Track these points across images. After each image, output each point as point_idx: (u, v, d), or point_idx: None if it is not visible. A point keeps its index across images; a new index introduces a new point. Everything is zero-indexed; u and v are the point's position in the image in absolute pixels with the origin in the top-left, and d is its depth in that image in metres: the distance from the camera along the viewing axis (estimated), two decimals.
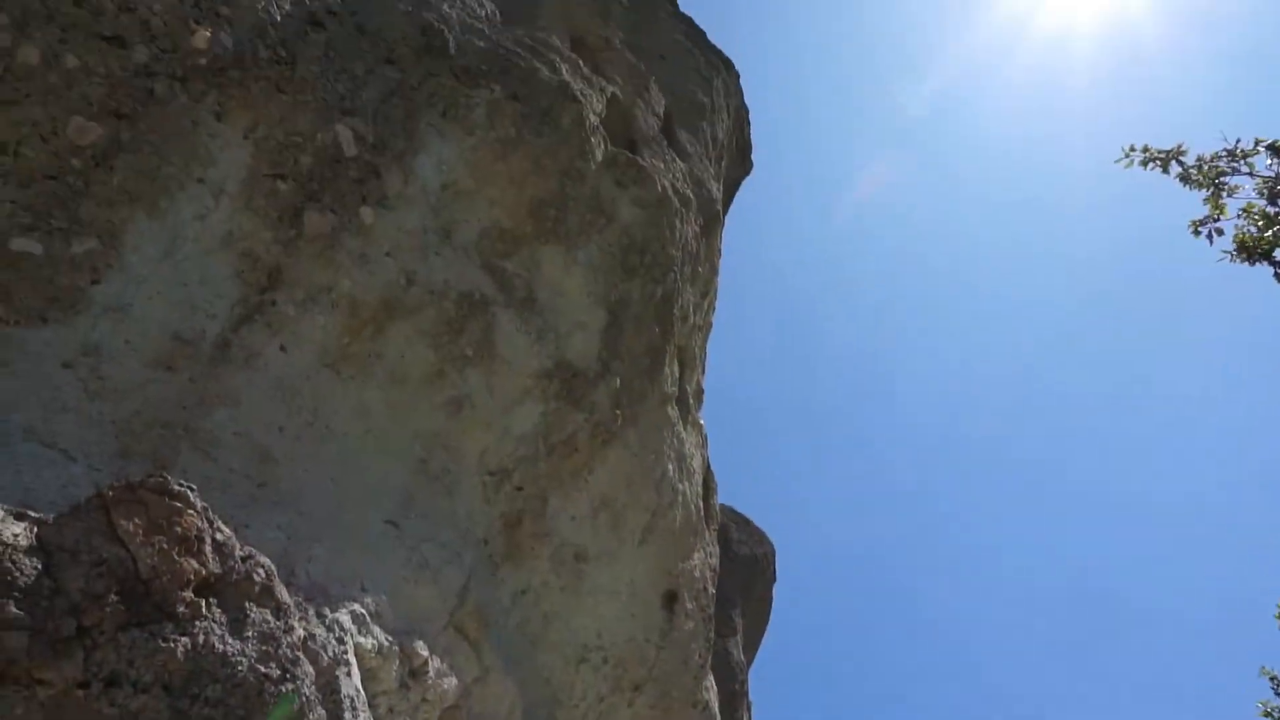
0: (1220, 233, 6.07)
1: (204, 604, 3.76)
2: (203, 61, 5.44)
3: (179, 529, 3.73)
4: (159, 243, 5.18)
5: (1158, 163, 5.85)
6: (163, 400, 4.88)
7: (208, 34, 5.48)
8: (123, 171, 5.09)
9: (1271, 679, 8.70)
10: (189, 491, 3.87)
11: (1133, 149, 5.95)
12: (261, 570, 4.10)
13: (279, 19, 6.02)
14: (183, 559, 3.72)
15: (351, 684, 4.52)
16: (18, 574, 3.26)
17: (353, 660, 4.71)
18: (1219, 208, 6.25)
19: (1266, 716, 8.64)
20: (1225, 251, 6.42)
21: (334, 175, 6.05)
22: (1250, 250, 6.53)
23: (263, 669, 3.84)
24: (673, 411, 8.83)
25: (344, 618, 4.86)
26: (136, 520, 3.65)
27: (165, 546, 3.67)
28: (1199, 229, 6.09)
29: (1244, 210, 6.26)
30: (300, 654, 4.09)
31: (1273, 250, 6.62)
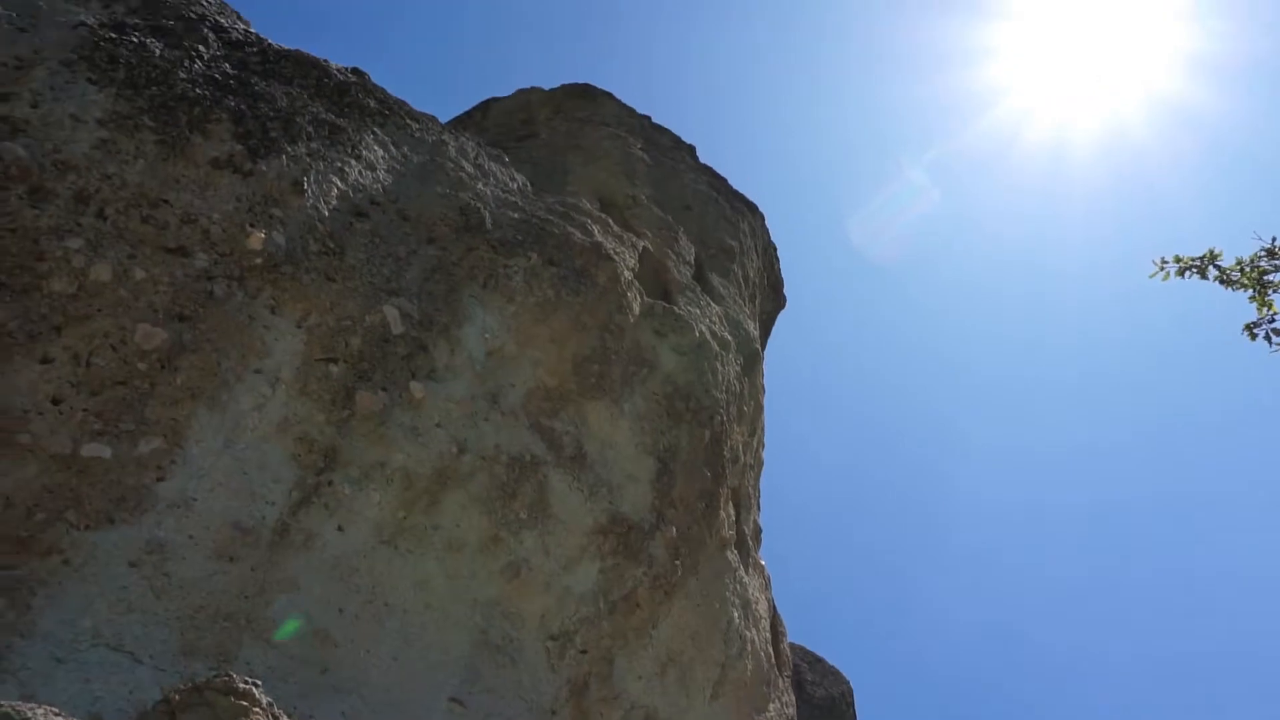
0: (1278, 333, 6.00)
1: None
2: (258, 261, 5.77)
3: None
4: (219, 434, 5.34)
5: (1194, 270, 5.86)
6: (224, 592, 4.92)
7: (262, 235, 5.83)
8: (185, 370, 5.32)
9: None
10: (254, 688, 3.84)
11: (1164, 261, 5.97)
12: None
13: (326, 214, 6.40)
14: None
15: None
16: None
17: None
18: (1268, 304, 6.21)
19: None
20: None
21: (383, 354, 6.27)
22: None
23: None
24: (732, 556, 8.66)
25: None
26: None
27: None
28: (1254, 331, 6.02)
29: None
30: None
31: None
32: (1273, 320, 5.95)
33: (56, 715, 3.47)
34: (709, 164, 13.27)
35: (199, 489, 5.13)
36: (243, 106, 6.33)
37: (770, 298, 15.34)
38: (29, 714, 3.42)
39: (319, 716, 4.71)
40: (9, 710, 3.42)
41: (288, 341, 5.90)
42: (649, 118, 12.84)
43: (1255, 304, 6.14)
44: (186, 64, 6.30)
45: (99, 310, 5.11)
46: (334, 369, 6.01)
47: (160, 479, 5.02)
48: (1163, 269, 5.88)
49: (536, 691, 6.30)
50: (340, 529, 5.62)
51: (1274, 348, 6.46)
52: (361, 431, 5.95)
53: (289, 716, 4.05)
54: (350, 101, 7.40)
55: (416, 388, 6.30)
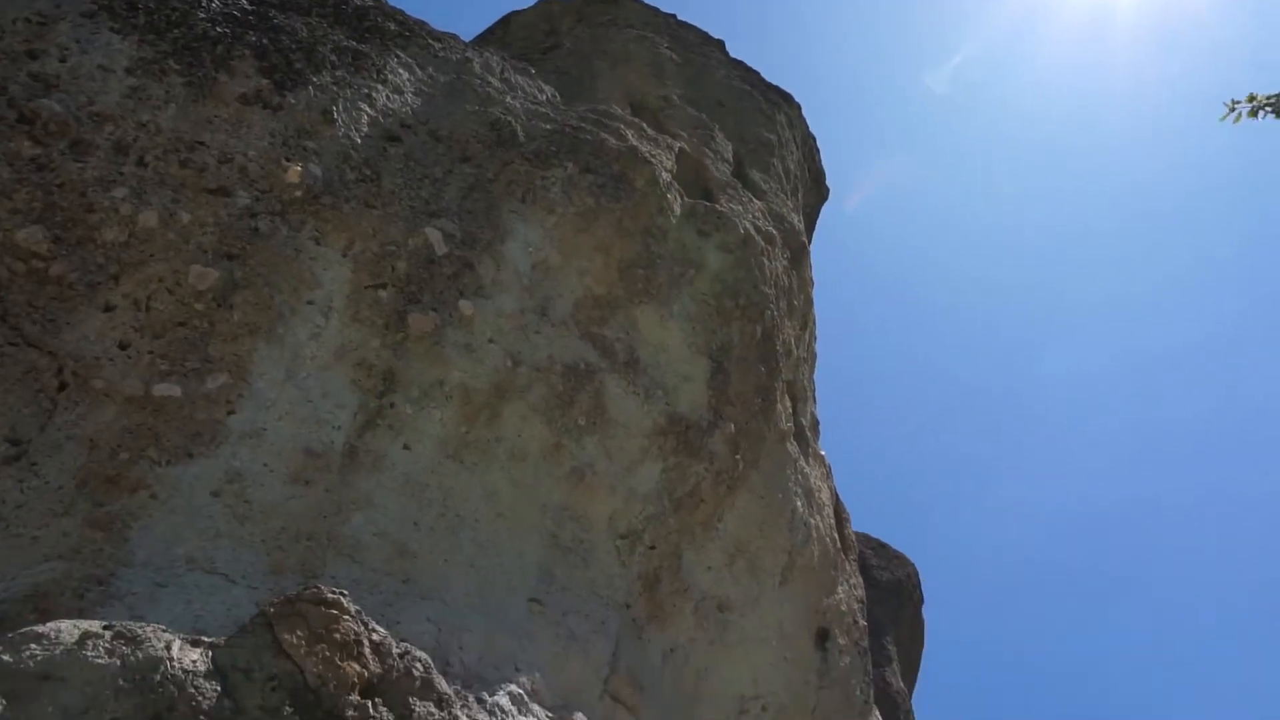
0: None
1: (370, 705, 3.85)
2: (298, 194, 5.78)
3: (338, 635, 3.84)
4: (281, 366, 5.46)
5: (1268, 109, 5.51)
6: (303, 513, 5.09)
7: (299, 169, 5.82)
8: (240, 307, 5.41)
9: None
10: (342, 598, 4.00)
11: (1236, 102, 5.63)
12: (419, 665, 4.18)
13: (359, 141, 6.35)
14: (345, 664, 3.82)
15: None
16: (201, 698, 3.41)
17: None
18: None
19: None
20: None
21: (430, 275, 6.28)
22: None
23: None
24: (792, 447, 8.67)
25: (503, 700, 4.89)
26: (299, 633, 3.78)
27: (328, 654, 3.78)
28: None
29: None
30: None
31: None
32: None
33: (165, 631, 3.66)
34: (738, 58, 12.82)
35: (268, 419, 5.28)
36: (264, 40, 6.26)
37: (813, 190, 14.96)
38: (140, 632, 3.62)
39: (405, 622, 4.90)
40: (122, 629, 3.62)
41: (335, 271, 5.95)
42: (674, 16, 12.40)
43: None
44: (204, 3, 6.22)
45: (151, 256, 5.20)
46: (383, 294, 6.05)
47: (231, 412, 5.17)
48: (1233, 110, 5.55)
49: (610, 588, 6.48)
50: (406, 447, 5.75)
51: None
52: (417, 352, 6.02)
53: (377, 623, 4.22)
54: (370, 26, 7.26)
55: (466, 305, 6.32)
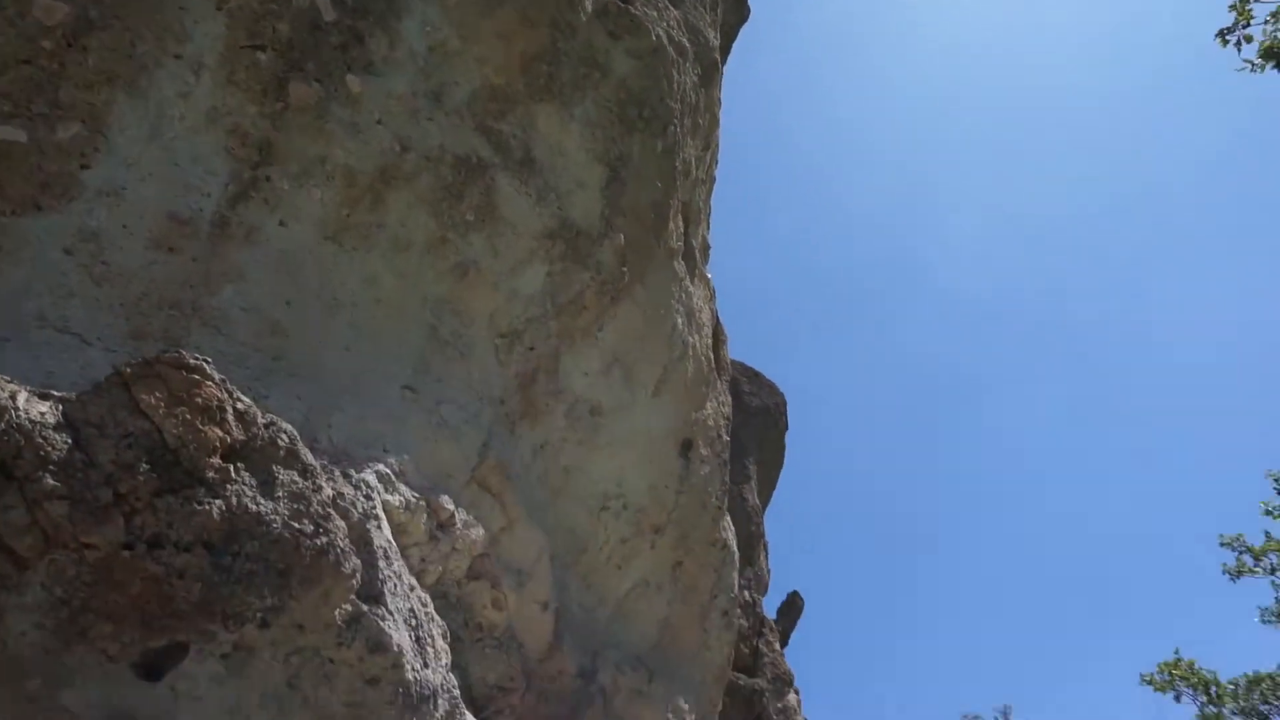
0: (1249, 39, 5.80)
1: (232, 469, 3.88)
2: None
3: (199, 400, 3.79)
4: (144, 123, 5.04)
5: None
6: (168, 281, 4.88)
7: None
8: (96, 51, 4.90)
9: (1275, 479, 9.11)
10: (205, 364, 3.92)
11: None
12: (285, 436, 4.20)
13: None
14: (207, 428, 3.80)
15: (383, 536, 4.70)
16: (50, 449, 3.35)
17: (382, 515, 4.88)
18: (1246, 14, 5.97)
19: (1268, 514, 9.08)
20: (1247, 61, 6.26)
21: (315, 43, 5.81)
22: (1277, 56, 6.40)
23: (296, 525, 3.99)
24: (680, 266, 8.77)
25: (370, 477, 5.01)
26: (157, 394, 3.71)
27: (188, 417, 3.74)
28: (1226, 38, 5.83)
29: (1273, 15, 6.01)
30: (331, 510, 4.23)
31: None
32: (1246, 26, 5.74)
33: (9, 382, 3.53)
34: None
35: (128, 179, 4.92)
36: None
37: (734, 8, 14.36)
38: None
39: (274, 397, 4.88)
40: None
41: (208, 25, 5.41)
42: None
43: (1235, 12, 5.90)
44: None
45: None
46: (262, 57, 5.58)
47: (85, 166, 4.79)
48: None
49: (486, 384, 6.59)
50: (283, 224, 5.51)
51: (1243, 65, 6.32)
52: (298, 125, 5.66)
53: (243, 394, 4.18)
54: None
55: (353, 81, 5.91)
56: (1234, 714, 18.81)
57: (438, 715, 4.92)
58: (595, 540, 8.02)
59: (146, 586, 3.52)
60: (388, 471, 5.24)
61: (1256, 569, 19.48)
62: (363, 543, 4.49)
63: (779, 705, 17.62)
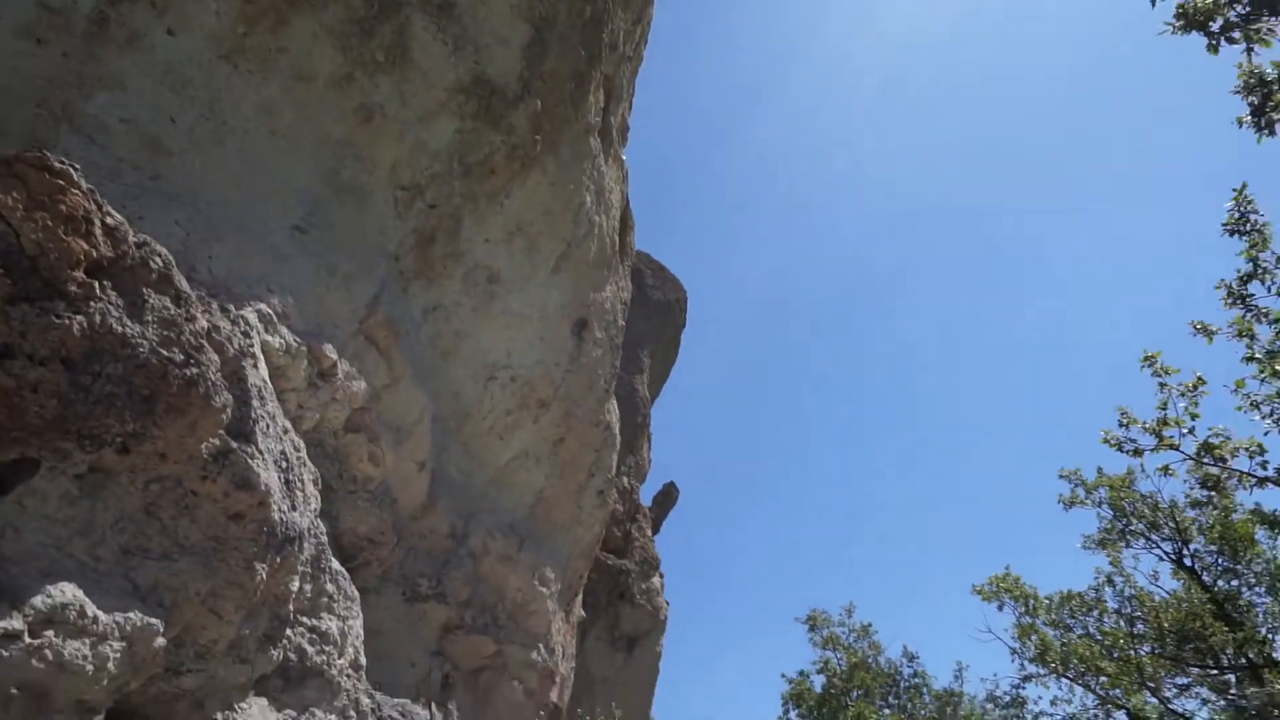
0: None
1: (97, 286, 3.65)
2: None
3: (63, 207, 3.52)
4: None
5: None
6: (34, 76, 4.44)
7: None
8: None
9: (1122, 413, 9.88)
10: (72, 170, 3.63)
11: None
12: (158, 259, 3.97)
13: None
14: (70, 239, 3.55)
15: (259, 375, 4.57)
16: None
17: (259, 355, 4.73)
18: None
19: (1105, 443, 9.89)
20: (1167, 23, 6.48)
21: None
22: (1189, 19, 6.63)
23: (165, 353, 3.83)
24: (595, 142, 8.56)
25: (249, 315, 4.82)
26: (15, 195, 3.42)
27: (50, 224, 3.48)
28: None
29: None
30: (204, 343, 4.07)
31: (1209, 20, 6.67)
32: None
33: None
34: None
35: None
36: None
37: None
38: None
39: (150, 219, 4.58)
40: None
41: None
42: None
43: None
44: None
45: None
46: None
47: None
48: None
49: (382, 235, 6.36)
50: (171, 33, 5.05)
51: (1164, 28, 6.54)
52: None
53: (115, 210, 3.90)
54: None
55: None
56: (1044, 624, 20.96)
57: (302, 557, 4.93)
58: (480, 408, 8.02)
59: None
60: (269, 312, 5.04)
61: (1086, 501, 21.36)
62: (236, 379, 4.35)
63: (643, 586, 18.49)
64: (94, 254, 3.67)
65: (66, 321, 3.49)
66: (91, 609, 3.55)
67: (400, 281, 6.70)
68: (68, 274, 3.53)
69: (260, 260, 5.18)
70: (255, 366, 4.56)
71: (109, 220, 3.80)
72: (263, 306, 4.99)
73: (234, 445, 4.20)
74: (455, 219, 7.02)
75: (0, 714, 3.24)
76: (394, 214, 6.45)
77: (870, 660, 28.29)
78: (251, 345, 4.61)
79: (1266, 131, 9.00)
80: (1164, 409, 9.64)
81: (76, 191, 3.61)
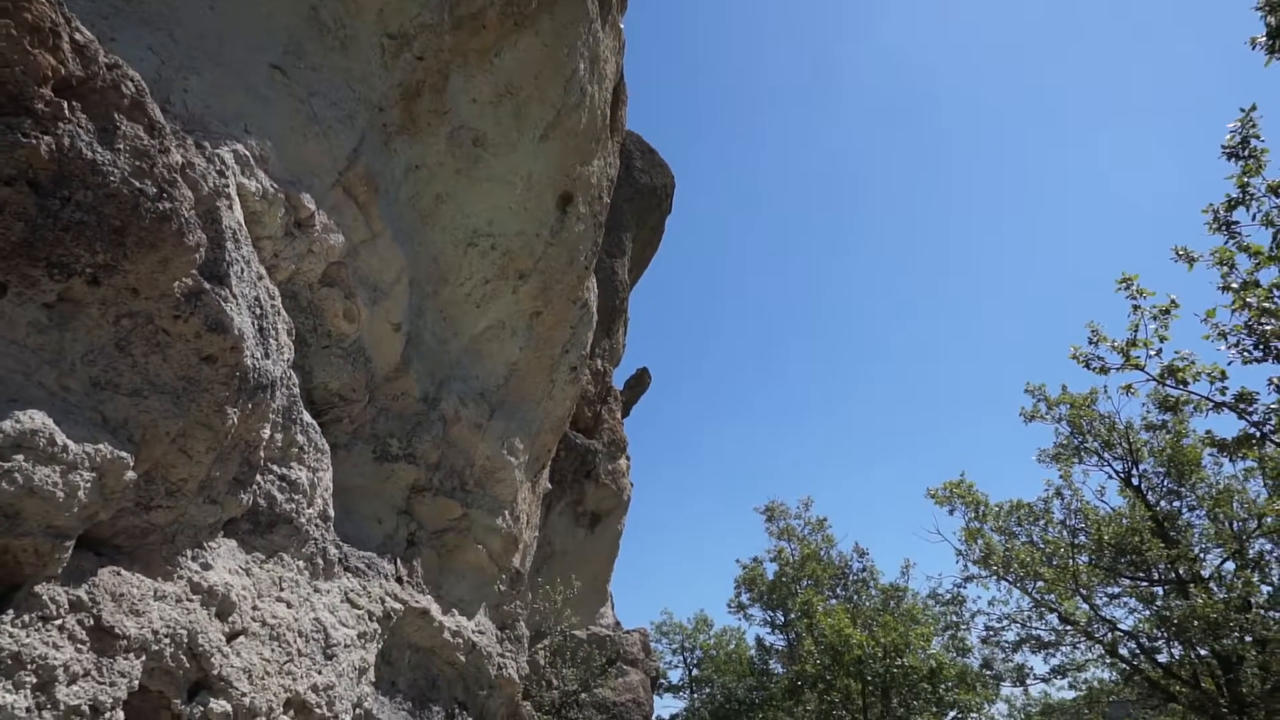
0: None
1: (66, 106, 3.50)
2: None
3: (28, 15, 3.33)
4: None
5: None
6: None
7: None
8: None
9: (1092, 330, 10.00)
10: None
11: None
12: (131, 84, 3.79)
13: None
14: (36, 51, 3.37)
15: (234, 217, 4.46)
16: None
17: (235, 197, 4.60)
18: None
19: (1073, 359, 10.06)
20: None
21: None
22: None
23: (137, 184, 3.71)
24: (592, 6, 8.20)
25: (226, 154, 4.67)
26: None
27: (14, 33, 3.29)
28: None
29: None
30: (179, 178, 3.94)
31: None
32: None
33: None
34: None
35: None
36: None
37: None
38: None
39: (122, 43, 4.35)
40: None
41: None
42: None
43: None
44: None
45: None
46: None
47: None
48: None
49: (366, 85, 6.11)
50: None
51: None
52: None
53: (86, 29, 3.69)
54: None
55: None
56: (991, 530, 21.80)
57: (274, 405, 4.94)
58: (458, 275, 7.94)
59: None
60: (246, 154, 4.88)
61: (1046, 416, 21.91)
62: (210, 219, 4.24)
63: (610, 467, 18.89)
64: (62, 71, 3.50)
65: (34, 141, 3.35)
66: (61, 438, 3.56)
67: (382, 135, 6.49)
68: (35, 90, 3.37)
69: (237, 99, 4.97)
70: (231, 208, 4.44)
71: (78, 36, 3.60)
72: (239, 147, 4.83)
73: (207, 286, 4.13)
74: (443, 74, 6.76)
75: None
76: (379, 63, 6.19)
77: (822, 552, 29.49)
78: (227, 186, 4.48)
79: (1277, 55, 8.79)
80: (1135, 331, 9.78)
81: (43, 0, 3.41)
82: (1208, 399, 10.00)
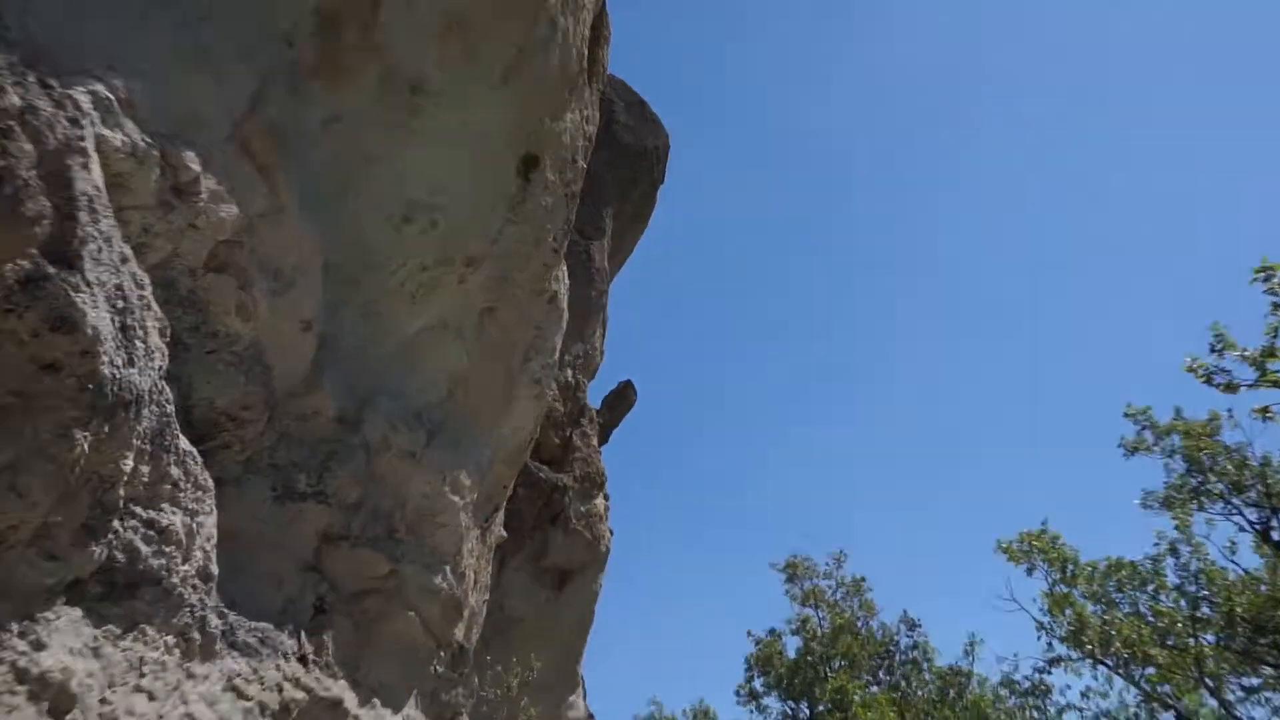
0: None
1: None
2: None
3: None
4: None
5: None
6: None
7: None
8: None
9: (1215, 334, 9.95)
10: None
11: None
12: None
13: None
14: None
15: (91, 181, 4.39)
16: None
17: (93, 154, 4.53)
18: None
19: (1189, 371, 10.00)
20: None
21: None
22: None
23: None
24: None
25: (81, 97, 4.59)
26: None
27: None
28: None
29: None
30: (14, 125, 3.88)
31: None
32: None
33: None
34: None
35: None
36: None
37: None
38: None
39: None
40: None
41: None
42: None
43: None
44: None
45: None
46: None
47: None
48: None
49: (272, 11, 6.04)
50: None
51: None
52: None
53: None
54: None
55: None
56: (1082, 596, 21.64)
57: (140, 428, 4.86)
58: (389, 259, 7.90)
59: None
60: (109, 97, 4.80)
61: (1154, 448, 21.74)
62: (59, 183, 4.17)
63: (582, 508, 18.80)
64: None
65: None
66: None
67: (291, 77, 6.43)
68: None
69: (101, 26, 4.90)
70: (87, 169, 4.37)
71: None
72: (100, 88, 4.75)
73: (51, 271, 4.06)
74: (373, 0, 6.72)
75: None
76: None
77: (860, 623, 29.49)
78: (83, 139, 4.41)
79: None
80: (1274, 335, 9.62)
81: None
82: None
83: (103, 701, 4.76)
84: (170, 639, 5.50)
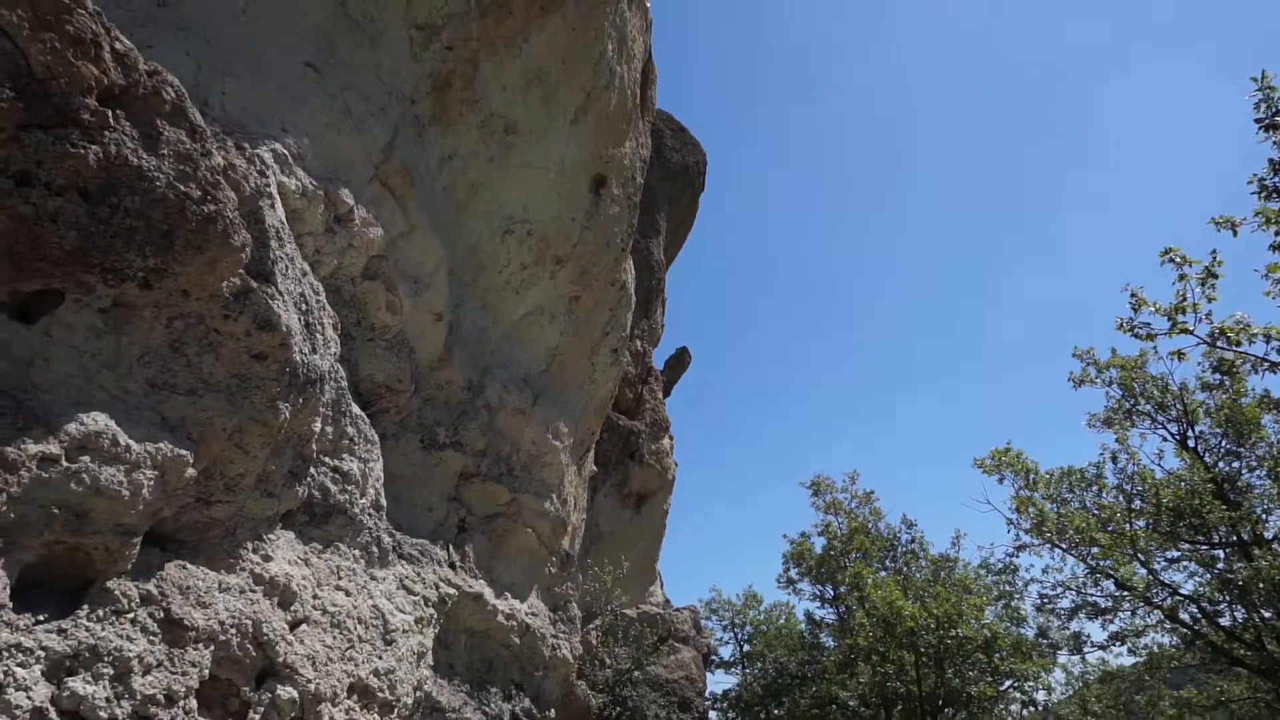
0: None
1: (110, 115, 3.58)
2: None
3: (70, 28, 3.41)
4: None
5: None
6: None
7: None
8: None
9: (1132, 294, 9.74)
10: None
11: None
12: (171, 90, 3.87)
13: None
14: (80, 63, 3.45)
15: (276, 216, 4.54)
16: None
17: (276, 195, 4.67)
18: None
19: (1119, 329, 9.81)
20: None
21: None
22: None
23: (182, 188, 3.79)
24: None
25: (265, 154, 4.74)
26: (20, 12, 3.30)
27: (58, 46, 3.37)
28: None
29: None
30: (221, 179, 4.02)
31: None
32: None
33: None
34: None
35: None
36: None
37: None
38: None
39: (159, 49, 4.43)
40: None
41: None
42: None
43: None
44: None
45: None
46: None
47: None
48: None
49: (397, 76, 6.16)
50: None
51: None
52: None
53: (125, 37, 3.77)
54: None
55: None
56: (1042, 498, 21.41)
57: (324, 399, 5.04)
58: (495, 262, 8.00)
59: (15, 226, 3.33)
60: (285, 152, 4.95)
61: (1096, 380, 21.41)
62: (254, 219, 4.32)
63: (653, 447, 18.95)
64: (105, 81, 3.57)
65: (82, 151, 3.44)
66: (124, 438, 3.67)
67: (415, 127, 6.54)
68: (80, 101, 3.46)
69: (273, 98, 5.04)
70: (273, 207, 4.52)
71: (118, 45, 3.68)
72: (277, 146, 4.90)
73: (254, 285, 4.21)
74: (472, 64, 6.78)
75: (44, 529, 3.40)
76: (409, 54, 6.23)
77: (870, 525, 29.30)
78: (268, 185, 4.56)
79: None
80: (1182, 298, 9.48)
81: (83, 11, 3.48)
82: (1264, 359, 9.74)
83: (314, 597, 4.98)
84: (356, 552, 5.71)
